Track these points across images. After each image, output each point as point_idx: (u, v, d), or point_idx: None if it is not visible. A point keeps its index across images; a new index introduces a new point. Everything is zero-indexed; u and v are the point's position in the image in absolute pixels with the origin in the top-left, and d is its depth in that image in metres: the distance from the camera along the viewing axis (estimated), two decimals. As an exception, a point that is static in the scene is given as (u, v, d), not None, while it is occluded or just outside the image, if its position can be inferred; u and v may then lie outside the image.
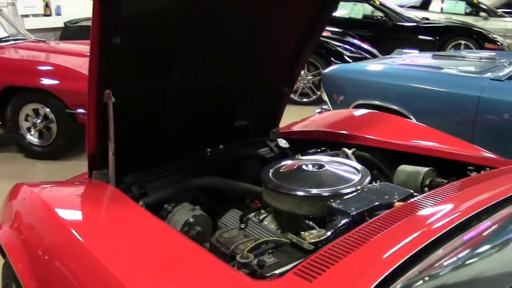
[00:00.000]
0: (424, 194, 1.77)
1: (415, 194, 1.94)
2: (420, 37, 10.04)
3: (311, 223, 1.88)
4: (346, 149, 2.55)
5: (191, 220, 1.94)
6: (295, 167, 2.20)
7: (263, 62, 2.49)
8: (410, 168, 2.24)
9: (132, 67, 2.00)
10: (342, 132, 2.81)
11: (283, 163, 2.29)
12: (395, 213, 1.59)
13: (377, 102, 4.53)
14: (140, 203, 2.03)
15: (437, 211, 1.60)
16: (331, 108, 5.20)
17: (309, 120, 3.37)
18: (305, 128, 3.15)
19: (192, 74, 2.24)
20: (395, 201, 1.86)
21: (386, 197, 1.89)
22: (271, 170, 2.18)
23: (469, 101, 3.82)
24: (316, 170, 2.14)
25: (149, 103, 2.16)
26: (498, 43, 9.55)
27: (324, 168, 2.14)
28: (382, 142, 2.63)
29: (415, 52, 6.24)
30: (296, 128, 3.14)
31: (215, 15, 2.08)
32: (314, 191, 1.95)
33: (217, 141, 2.53)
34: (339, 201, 1.86)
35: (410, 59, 5.24)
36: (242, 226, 1.92)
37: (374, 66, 5.06)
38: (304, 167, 2.17)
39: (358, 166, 2.21)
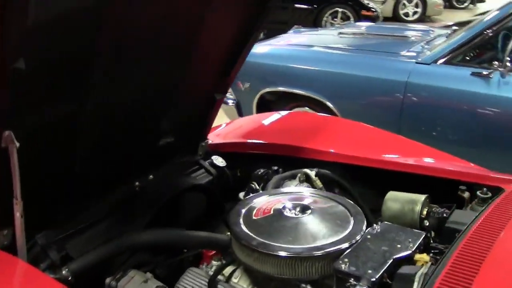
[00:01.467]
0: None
1: (427, 234, 1.65)
2: (297, 5, 9.87)
3: (308, 287, 1.55)
4: (307, 170, 2.18)
5: None
6: (271, 211, 1.78)
7: (193, 67, 2.04)
8: (403, 196, 1.88)
9: (38, 95, 1.50)
10: (289, 144, 2.41)
11: (252, 202, 1.87)
12: None
13: (289, 89, 4.18)
14: (64, 272, 1.56)
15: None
16: (234, 97, 4.77)
17: (234, 126, 2.93)
18: (233, 138, 2.70)
19: (106, 91, 1.75)
20: (411, 251, 1.53)
21: (399, 246, 1.55)
22: (240, 219, 1.75)
23: (395, 86, 3.59)
24: (300, 215, 1.74)
25: (58, 135, 1.67)
26: (373, 10, 9.66)
27: (309, 212, 1.75)
28: (346, 157, 2.26)
29: (314, 30, 5.94)
30: (221, 137, 2.67)
31: (129, 18, 1.60)
32: (311, 248, 1.57)
33: (143, 168, 2.09)
34: (347, 260, 1.49)
35: (316, 39, 4.91)
36: None
37: (281, 48, 4.66)
38: (284, 211, 1.76)
39: (346, 202, 1.86)
